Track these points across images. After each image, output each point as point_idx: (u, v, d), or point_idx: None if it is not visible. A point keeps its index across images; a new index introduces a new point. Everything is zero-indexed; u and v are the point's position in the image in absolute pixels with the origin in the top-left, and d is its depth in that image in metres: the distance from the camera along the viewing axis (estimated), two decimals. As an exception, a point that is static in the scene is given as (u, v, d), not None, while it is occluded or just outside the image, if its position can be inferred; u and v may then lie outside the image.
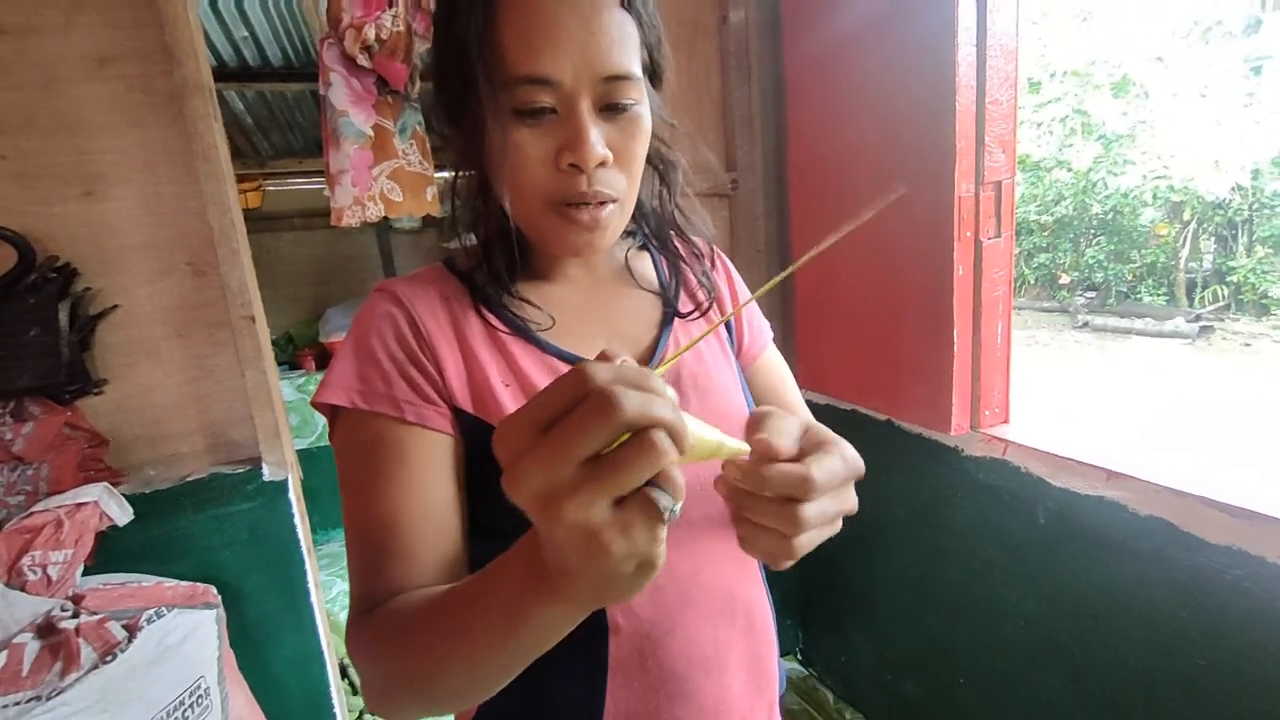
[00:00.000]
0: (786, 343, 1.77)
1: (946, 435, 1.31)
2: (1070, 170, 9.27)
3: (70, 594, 1.15)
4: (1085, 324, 9.38)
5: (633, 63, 0.48)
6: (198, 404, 1.32)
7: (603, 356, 0.29)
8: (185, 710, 1.11)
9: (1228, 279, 8.83)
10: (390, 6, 1.16)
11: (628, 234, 0.64)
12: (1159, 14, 8.09)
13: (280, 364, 3.61)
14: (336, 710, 1.48)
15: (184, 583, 1.27)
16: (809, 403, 1.79)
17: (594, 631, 0.52)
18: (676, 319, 0.62)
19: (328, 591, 2.57)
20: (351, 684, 1.79)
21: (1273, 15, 7.44)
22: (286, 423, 1.40)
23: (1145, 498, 0.99)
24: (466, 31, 0.46)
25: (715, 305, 0.66)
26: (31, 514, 1.16)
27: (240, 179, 3.18)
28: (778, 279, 0.40)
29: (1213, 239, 9.36)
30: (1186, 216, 9.03)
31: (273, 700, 1.34)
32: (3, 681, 0.97)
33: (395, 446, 0.48)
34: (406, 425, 0.49)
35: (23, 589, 1.11)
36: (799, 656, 1.97)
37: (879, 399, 1.47)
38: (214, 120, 1.21)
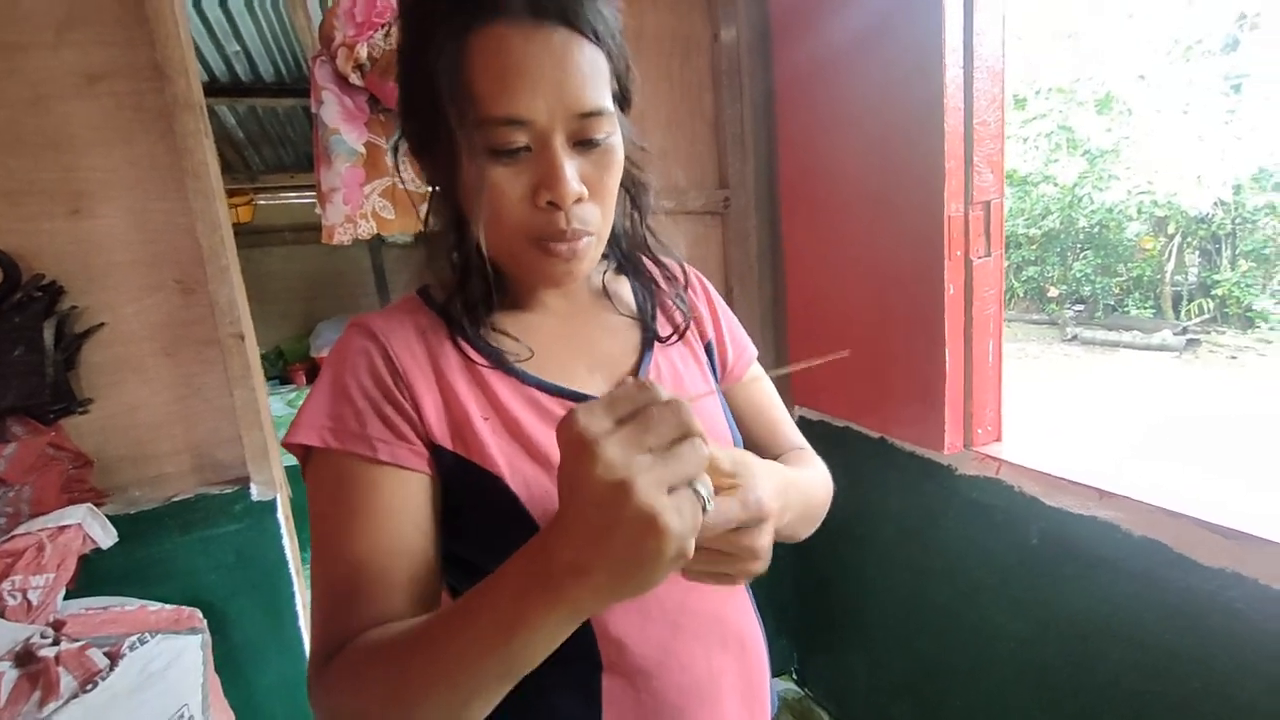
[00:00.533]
0: (780, 359, 1.78)
1: (940, 453, 1.31)
2: (1057, 185, 9.41)
3: (51, 620, 1.12)
4: (1074, 337, 9.47)
5: (605, 97, 0.49)
6: (185, 423, 1.30)
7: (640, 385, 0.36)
8: (167, 739, 1.09)
9: (1213, 292, 8.95)
10: (382, 26, 1.16)
11: (603, 257, 0.64)
12: (1141, 32, 8.27)
13: (271, 379, 3.58)
14: None
15: (169, 606, 1.24)
16: (802, 419, 1.82)
17: (586, 667, 0.52)
18: (656, 343, 0.62)
19: (316, 610, 2.52)
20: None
21: (1250, 34, 7.62)
22: (276, 441, 1.38)
23: (1138, 518, 0.99)
24: (437, 70, 0.46)
25: (694, 326, 0.66)
26: (12, 537, 1.13)
27: (231, 193, 3.18)
28: (794, 368, 0.41)
29: (1197, 253, 9.50)
30: (1171, 231, 9.17)
31: (258, 727, 1.31)
32: (-22, 713, 0.94)
33: (368, 486, 0.47)
34: (380, 465, 0.48)
35: (2, 615, 1.08)
36: (794, 676, 1.96)
37: (872, 416, 1.47)
38: (204, 137, 1.21)
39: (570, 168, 0.48)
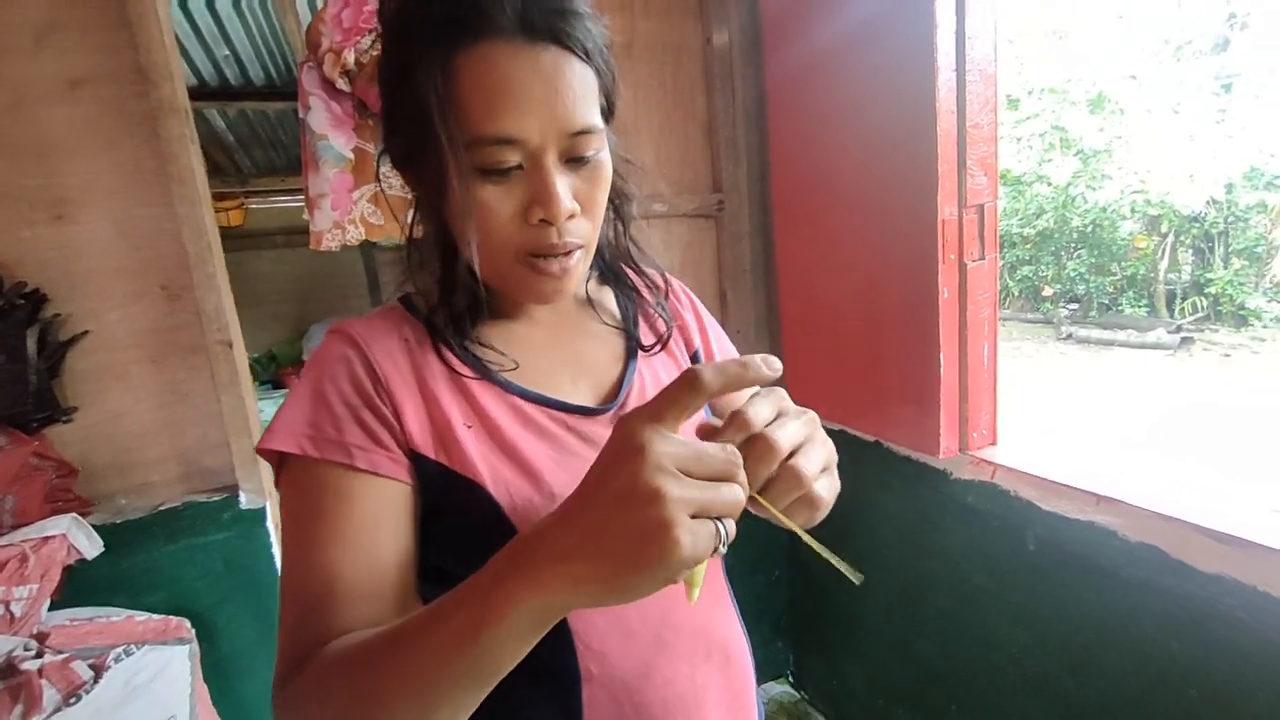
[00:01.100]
0: (774, 362, 1.77)
1: (935, 458, 1.30)
2: (1050, 184, 9.44)
3: (34, 631, 1.10)
4: (1069, 335, 9.50)
5: (595, 114, 0.48)
6: (171, 430, 1.28)
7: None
8: (153, 754, 1.07)
9: (1206, 290, 8.99)
10: (370, 31, 1.15)
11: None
12: (1131, 32, 8.31)
13: (263, 383, 3.55)
14: None
15: (156, 616, 1.22)
16: (797, 422, 1.80)
17: (567, 680, 0.51)
18: (640, 352, 0.62)
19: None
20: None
21: (1240, 34, 7.66)
22: (264, 449, 1.36)
23: (1136, 523, 0.99)
24: (425, 89, 0.45)
25: (679, 335, 0.66)
26: (-6, 549, 1.11)
27: (221, 196, 3.15)
28: (823, 554, 0.40)
29: (1190, 251, 9.55)
30: (1164, 229, 9.22)
31: (247, 738, 1.30)
32: (-42, 729, 0.92)
33: (343, 495, 0.46)
34: (356, 472, 0.47)
35: (-17, 628, 1.06)
36: (790, 679, 1.95)
37: (867, 420, 1.47)
38: (190, 142, 1.19)
39: (563, 185, 0.47)
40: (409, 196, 0.58)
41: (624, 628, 0.52)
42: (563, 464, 0.52)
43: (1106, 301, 10.08)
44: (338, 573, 0.44)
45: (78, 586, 1.20)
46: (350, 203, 1.23)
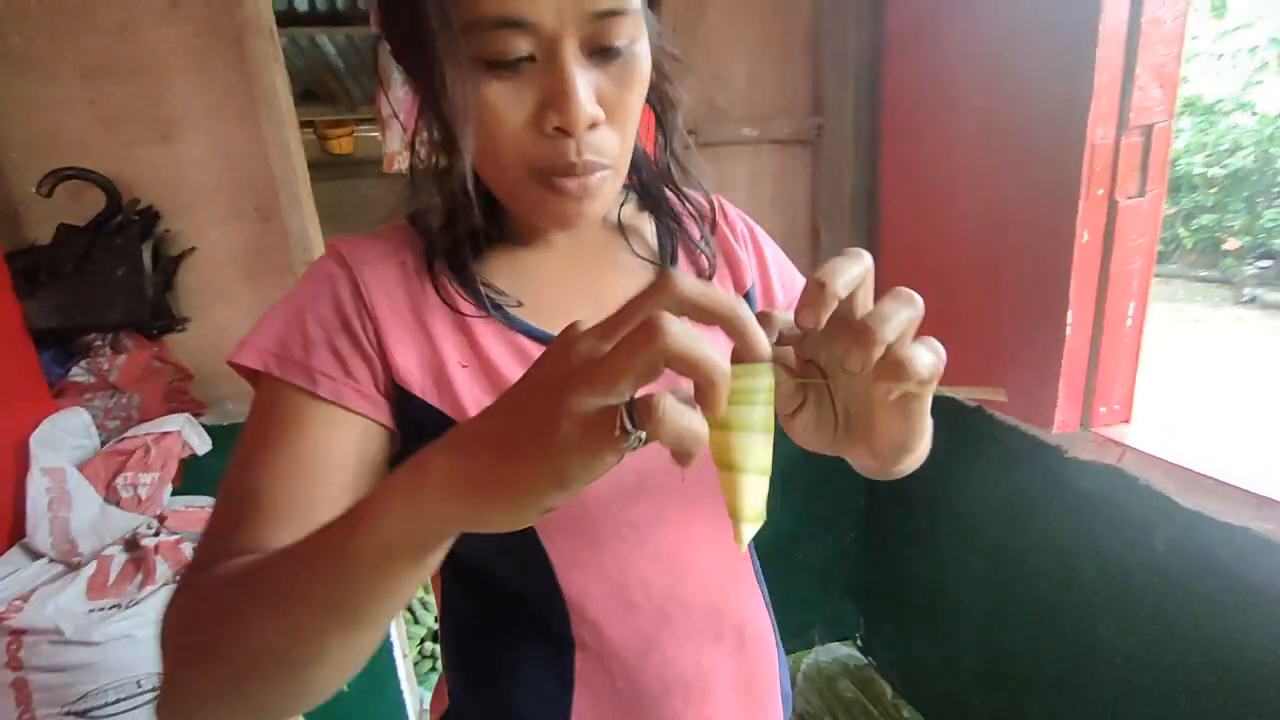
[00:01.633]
0: (868, 311, 1.59)
1: (1047, 431, 1.12)
2: (1255, 114, 7.75)
3: (157, 513, 1.25)
4: (1252, 299, 8.00)
5: None
6: (268, 345, 1.38)
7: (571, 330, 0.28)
8: (245, 631, 1.20)
9: None
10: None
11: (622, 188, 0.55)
12: None
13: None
14: (394, 640, 1.57)
15: (255, 511, 1.35)
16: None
17: (559, 645, 0.48)
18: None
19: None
20: (410, 611, 1.89)
21: None
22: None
23: (1307, 535, 0.79)
24: None
25: (729, 273, 0.56)
26: (124, 439, 1.26)
27: (333, 124, 3.30)
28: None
29: None
30: None
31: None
32: (93, 588, 1.07)
33: (298, 421, 0.42)
34: (318, 400, 0.43)
35: (118, 505, 1.22)
36: (858, 643, 1.87)
37: (970, 382, 1.28)
38: (274, 61, 1.21)
39: (584, 84, 0.39)
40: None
41: (624, 599, 0.47)
42: None
43: (1312, 261, 8.34)
44: (270, 497, 0.40)
45: (191, 478, 1.35)
46: (420, 123, 1.21)
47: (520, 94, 0.39)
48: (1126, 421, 1.10)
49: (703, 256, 0.55)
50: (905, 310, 0.31)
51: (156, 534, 1.19)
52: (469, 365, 0.46)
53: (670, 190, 0.55)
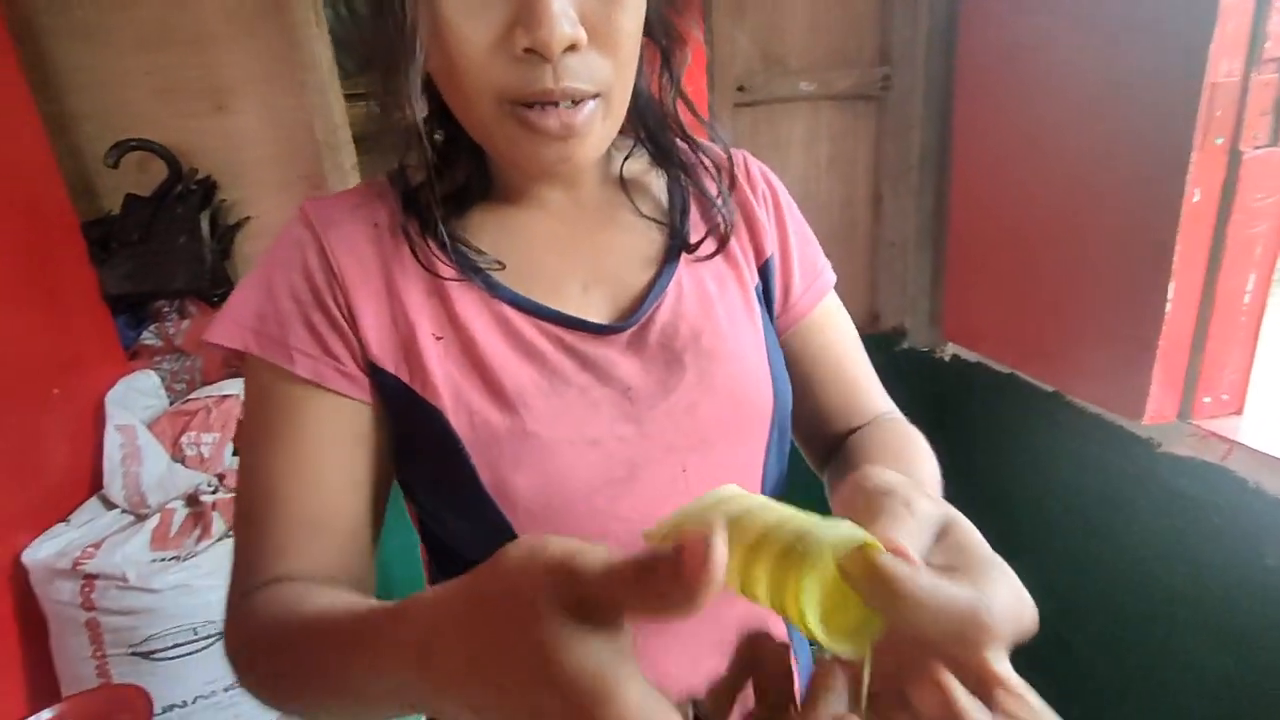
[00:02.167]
0: (935, 282, 1.46)
1: (1137, 422, 0.98)
2: None
3: (218, 472, 1.32)
4: None
5: None
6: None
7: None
8: (293, 586, 1.25)
9: None
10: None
11: (629, 137, 0.48)
12: None
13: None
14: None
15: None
16: (956, 360, 1.51)
17: None
18: (683, 254, 0.46)
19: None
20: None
21: None
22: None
23: None
24: None
25: (745, 237, 0.49)
26: (189, 400, 1.34)
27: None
28: None
29: None
30: None
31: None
32: (156, 539, 1.14)
33: (289, 406, 0.41)
34: (299, 382, 0.40)
35: (183, 463, 1.29)
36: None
37: (1046, 365, 1.15)
38: (315, 27, 1.20)
39: None
40: None
41: None
42: (551, 394, 0.41)
43: None
44: (282, 496, 0.40)
45: (250, 438, 1.41)
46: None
47: (486, 11, 0.34)
48: (1238, 413, 0.95)
49: (719, 216, 0.48)
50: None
51: (215, 491, 1.25)
52: (444, 336, 0.42)
53: (681, 140, 0.48)
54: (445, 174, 0.44)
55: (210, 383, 1.36)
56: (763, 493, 0.45)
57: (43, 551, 1.06)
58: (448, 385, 0.41)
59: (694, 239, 0.47)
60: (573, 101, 0.36)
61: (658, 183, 0.50)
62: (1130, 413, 0.99)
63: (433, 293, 0.43)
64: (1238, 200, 0.86)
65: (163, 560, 1.11)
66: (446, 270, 0.43)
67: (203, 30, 1.22)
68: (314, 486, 0.40)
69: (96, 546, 1.09)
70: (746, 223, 0.50)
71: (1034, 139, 1.12)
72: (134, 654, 1.07)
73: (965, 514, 0.24)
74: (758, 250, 0.50)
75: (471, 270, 0.43)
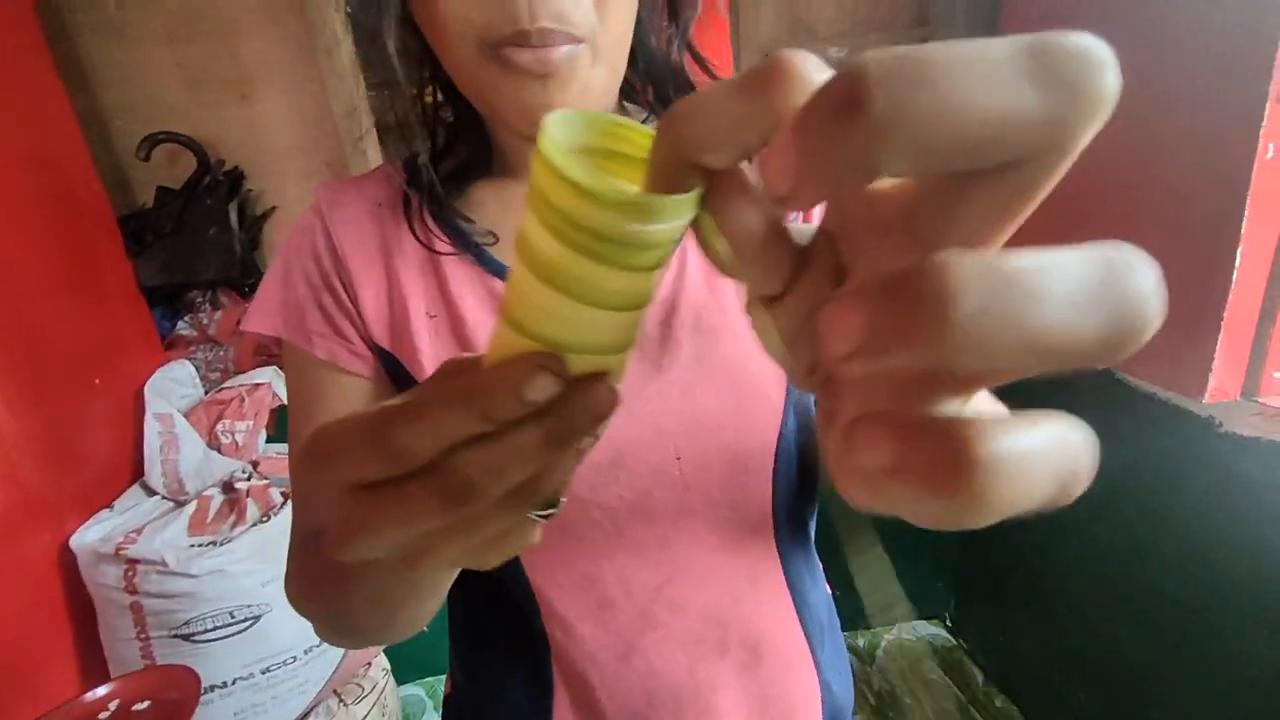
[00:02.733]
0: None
1: (1197, 400, 0.92)
2: None
3: (252, 459, 1.35)
4: None
5: None
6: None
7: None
8: (327, 571, 1.27)
9: None
10: None
11: (631, 97, 0.46)
12: None
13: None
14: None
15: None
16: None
17: (534, 642, 0.43)
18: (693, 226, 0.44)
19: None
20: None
21: None
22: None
23: None
24: None
25: None
26: (223, 389, 1.36)
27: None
28: None
29: None
30: None
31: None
32: (193, 525, 1.17)
33: (315, 386, 0.43)
34: (320, 363, 0.42)
35: (218, 451, 1.32)
36: (947, 624, 1.73)
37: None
38: (334, 11, 1.20)
39: None
40: None
41: (598, 595, 0.41)
42: None
43: None
44: None
45: (283, 427, 1.43)
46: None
47: None
48: (1311, 389, 0.88)
49: None
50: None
51: (249, 478, 1.28)
52: (436, 314, 0.41)
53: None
54: (452, 151, 0.44)
55: (242, 371, 1.39)
56: (774, 506, 0.42)
57: (89, 536, 1.09)
58: (436, 364, 0.40)
59: None
60: (549, 43, 0.34)
61: None
62: (1189, 390, 0.93)
63: (428, 269, 0.42)
64: (1315, 156, 0.79)
65: (200, 545, 1.14)
66: (442, 245, 0.42)
67: (225, 20, 1.22)
68: None
69: (138, 532, 1.12)
70: None
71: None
72: (175, 636, 1.10)
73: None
74: None
75: (465, 244, 0.42)
